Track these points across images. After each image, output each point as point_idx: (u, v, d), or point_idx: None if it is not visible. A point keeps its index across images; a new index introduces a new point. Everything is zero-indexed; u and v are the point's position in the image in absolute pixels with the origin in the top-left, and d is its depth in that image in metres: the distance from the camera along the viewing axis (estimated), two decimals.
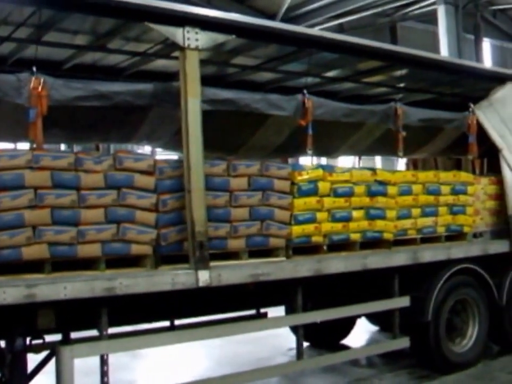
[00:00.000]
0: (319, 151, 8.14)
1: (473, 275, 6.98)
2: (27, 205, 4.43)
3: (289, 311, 6.54)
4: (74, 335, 5.17)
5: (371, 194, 6.25)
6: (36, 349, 5.05)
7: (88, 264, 4.73)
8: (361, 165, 9.22)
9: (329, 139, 7.52)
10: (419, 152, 8.82)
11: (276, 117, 6.25)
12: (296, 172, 5.78)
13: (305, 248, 5.88)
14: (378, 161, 16.45)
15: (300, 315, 5.83)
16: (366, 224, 6.21)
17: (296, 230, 5.71)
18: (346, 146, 8.24)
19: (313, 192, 5.85)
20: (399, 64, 6.94)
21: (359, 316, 7.53)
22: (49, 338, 5.05)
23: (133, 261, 4.92)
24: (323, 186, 5.91)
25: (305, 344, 6.70)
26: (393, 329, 6.49)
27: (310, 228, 5.80)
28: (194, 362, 7.79)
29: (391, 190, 6.43)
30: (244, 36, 5.53)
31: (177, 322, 5.90)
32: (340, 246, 6.11)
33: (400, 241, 6.61)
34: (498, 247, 7.26)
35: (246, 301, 5.95)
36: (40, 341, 5.01)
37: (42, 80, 4.53)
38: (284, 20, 17.20)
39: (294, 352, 6.07)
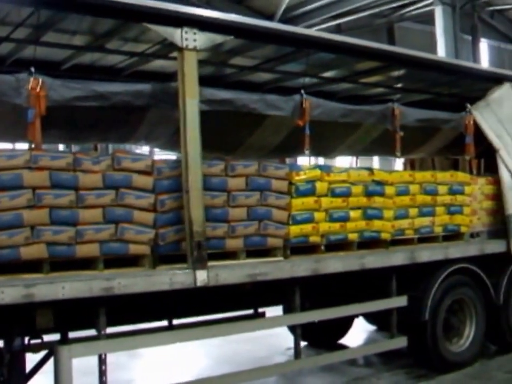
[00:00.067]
0: (317, 151, 8.16)
1: (471, 275, 7.00)
2: (25, 205, 4.44)
3: (287, 311, 6.54)
4: (72, 334, 5.18)
5: (368, 194, 6.27)
6: (34, 349, 5.05)
7: (86, 264, 4.73)
8: (358, 165, 9.24)
9: (327, 139, 7.54)
10: (416, 152, 8.85)
11: (273, 117, 6.27)
12: (294, 172, 5.79)
13: (303, 248, 5.89)
14: (375, 161, 16.48)
15: (297, 315, 5.84)
16: (363, 224, 6.22)
17: (294, 230, 5.73)
18: (344, 146, 8.26)
19: (311, 192, 5.86)
20: (396, 64, 6.96)
21: (356, 316, 7.55)
22: (47, 338, 5.06)
23: (131, 261, 4.93)
24: (321, 187, 5.92)
25: (303, 343, 6.72)
26: (391, 329, 6.50)
27: (307, 227, 5.81)
28: (193, 361, 7.80)
29: (389, 190, 6.45)
30: (242, 36, 5.55)
31: (175, 322, 5.90)
32: (337, 246, 6.12)
33: (398, 241, 6.63)
34: (495, 247, 7.28)
35: (244, 300, 5.97)
36: (38, 341, 5.01)
37: (40, 81, 4.54)
38: (281, 20, 17.25)
39: (292, 351, 6.08)
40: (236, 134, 7.19)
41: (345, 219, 6.08)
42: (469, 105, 7.27)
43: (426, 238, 6.88)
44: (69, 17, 4.98)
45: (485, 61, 22.18)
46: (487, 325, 7.12)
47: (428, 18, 18.45)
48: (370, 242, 6.37)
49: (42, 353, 5.18)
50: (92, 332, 4.90)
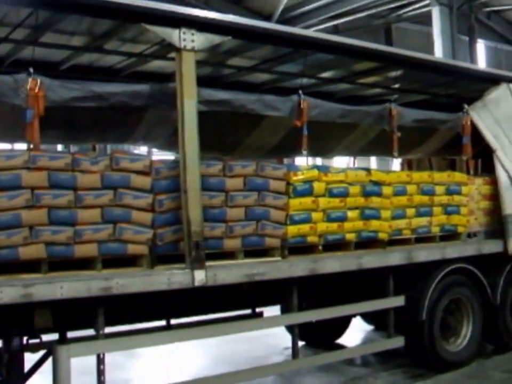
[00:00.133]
0: (314, 152, 8.18)
1: (468, 275, 7.02)
2: (24, 205, 4.45)
3: (284, 311, 6.55)
4: (71, 334, 5.18)
5: (366, 194, 6.28)
6: (33, 349, 5.05)
7: (84, 264, 4.74)
8: (356, 165, 9.26)
9: (325, 140, 7.56)
10: (414, 153, 8.87)
11: (271, 117, 6.28)
12: (291, 172, 5.81)
13: (300, 248, 5.91)
14: (373, 161, 16.51)
15: (295, 314, 5.85)
16: (361, 224, 6.24)
17: (292, 230, 5.74)
18: (341, 146, 8.28)
19: (309, 192, 5.87)
20: (394, 65, 6.98)
21: (354, 315, 7.56)
22: (46, 337, 5.05)
23: (130, 261, 4.94)
24: (318, 187, 5.94)
25: (301, 343, 6.69)
26: (388, 329, 6.52)
27: (305, 227, 5.83)
28: (191, 361, 7.81)
29: (386, 190, 6.46)
30: (240, 37, 5.56)
31: (173, 321, 5.91)
32: (335, 246, 6.14)
33: (395, 241, 6.64)
34: (492, 247, 7.30)
35: (241, 300, 5.98)
36: (37, 341, 5.02)
37: (39, 81, 4.54)
38: (279, 21, 17.26)
39: (289, 351, 6.08)
40: (234, 135, 7.20)
41: (343, 219, 6.10)
42: (466, 106, 7.29)
43: (423, 238, 6.90)
44: (67, 18, 5.00)
45: (482, 62, 22.20)
46: (484, 324, 7.13)
47: (425, 19, 18.48)
48: (367, 242, 6.38)
49: (41, 353, 5.19)
50: (90, 332, 4.92)
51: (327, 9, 17.65)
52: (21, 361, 4.72)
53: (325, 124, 6.36)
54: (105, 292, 4.47)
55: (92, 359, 4.81)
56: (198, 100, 5.04)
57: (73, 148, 7.80)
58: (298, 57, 6.40)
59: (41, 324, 4.63)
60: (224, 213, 5.35)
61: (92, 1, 4.63)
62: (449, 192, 7.07)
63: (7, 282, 4.19)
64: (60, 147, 8.75)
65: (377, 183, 6.41)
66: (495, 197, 7.50)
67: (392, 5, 18.81)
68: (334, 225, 6.03)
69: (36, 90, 4.51)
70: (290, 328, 6.23)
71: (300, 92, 5.90)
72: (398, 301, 6.46)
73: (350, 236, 6.18)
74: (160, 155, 10.02)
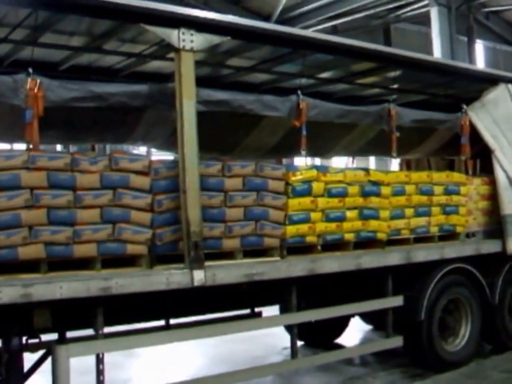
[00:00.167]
0: (313, 152, 8.19)
1: (466, 275, 7.04)
2: (23, 205, 4.46)
3: (283, 311, 6.57)
4: (70, 334, 5.19)
5: (365, 194, 6.29)
6: (32, 348, 5.06)
7: (84, 264, 4.75)
8: (355, 166, 9.26)
9: (323, 140, 7.57)
10: (412, 153, 8.88)
11: (270, 117, 6.29)
12: (290, 172, 5.81)
13: (299, 248, 5.91)
14: (372, 161, 16.52)
15: (294, 314, 5.86)
16: (359, 224, 6.25)
17: (291, 230, 5.75)
18: (340, 147, 8.29)
19: (307, 192, 5.88)
20: (392, 65, 6.99)
21: (352, 315, 7.58)
22: (45, 337, 5.06)
23: (129, 261, 4.94)
24: (317, 187, 5.94)
25: (300, 343, 6.72)
26: (387, 328, 6.54)
27: (304, 227, 5.84)
28: (189, 361, 7.81)
29: (385, 190, 6.47)
30: (239, 37, 5.57)
31: (172, 321, 5.92)
32: (333, 246, 6.15)
33: (394, 241, 6.66)
34: (491, 246, 7.31)
35: (240, 300, 5.99)
36: (36, 340, 5.02)
37: (38, 81, 4.55)
38: (278, 21, 17.28)
39: (288, 351, 6.09)
40: (233, 135, 7.21)
41: (342, 219, 6.11)
42: (464, 106, 7.30)
43: (422, 238, 6.91)
44: (66, 18, 5.01)
45: (480, 62, 22.24)
46: (482, 324, 7.14)
47: (424, 20, 18.50)
48: (366, 242, 6.39)
49: (40, 352, 5.19)
50: (89, 332, 4.93)
51: (326, 10, 17.68)
52: (20, 361, 4.73)
53: (324, 124, 6.37)
54: (104, 292, 4.47)
55: (91, 359, 4.82)
56: (197, 100, 5.05)
57: (72, 148, 7.81)
58: (297, 58, 6.42)
59: (40, 323, 4.64)
60: (223, 213, 5.35)
61: (91, 2, 4.64)
62: (447, 192, 7.08)
63: (7, 282, 4.20)
64: (59, 147, 8.76)
65: (376, 183, 6.42)
66: (493, 197, 7.51)
67: (391, 6, 18.83)
68: (333, 225, 6.04)
69: (35, 90, 4.52)
70: (289, 328, 6.22)
71: (299, 92, 5.91)
72: (397, 301, 6.47)
73: (349, 236, 6.19)
74: (159, 155, 10.03)
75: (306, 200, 5.86)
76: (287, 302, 5.85)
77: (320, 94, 7.19)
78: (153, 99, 5.29)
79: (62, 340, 5.13)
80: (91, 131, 6.57)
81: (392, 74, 7.34)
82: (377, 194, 6.40)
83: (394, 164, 10.52)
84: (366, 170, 6.50)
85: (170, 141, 6.14)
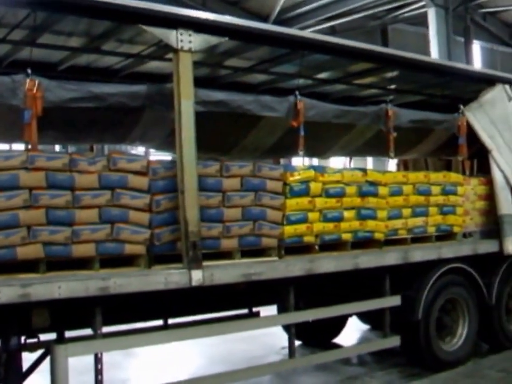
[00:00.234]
0: (311, 152, 8.21)
1: (463, 275, 7.05)
2: (22, 205, 4.46)
3: (281, 310, 6.58)
4: (68, 334, 5.21)
5: (362, 194, 6.31)
6: (31, 348, 5.09)
7: (82, 263, 4.76)
8: (352, 166, 9.29)
9: (321, 140, 7.59)
10: (410, 153, 8.91)
11: (268, 118, 6.31)
12: (288, 172, 5.82)
13: (297, 248, 5.93)
14: (369, 162, 16.54)
15: (292, 314, 5.87)
16: (357, 224, 6.26)
17: (288, 230, 5.76)
18: (337, 147, 8.31)
19: (305, 192, 5.90)
20: (390, 66, 7.01)
21: (350, 315, 7.59)
22: (44, 337, 5.10)
23: (127, 261, 4.95)
24: (315, 187, 5.96)
25: (297, 342, 6.74)
26: (384, 328, 6.55)
27: (302, 228, 5.85)
28: (188, 360, 7.83)
29: (382, 190, 6.49)
30: (237, 38, 5.58)
31: (170, 321, 5.94)
32: (331, 245, 6.16)
33: (391, 241, 6.67)
34: (488, 246, 7.33)
35: (238, 300, 6.00)
36: (35, 340, 5.06)
37: (37, 82, 4.56)
38: (276, 22, 17.32)
39: (286, 350, 6.11)
40: (231, 135, 7.22)
41: (339, 219, 6.12)
42: (461, 107, 7.32)
43: (419, 238, 6.93)
44: (65, 19, 5.01)
45: (477, 63, 22.29)
46: (479, 324, 7.17)
47: (421, 20, 18.54)
48: (364, 242, 6.41)
49: (39, 352, 5.22)
50: (88, 331, 4.94)
51: (324, 10, 17.72)
52: (19, 361, 4.73)
53: (322, 124, 6.39)
54: (102, 292, 4.48)
55: (90, 359, 4.83)
56: (195, 101, 5.06)
57: (70, 148, 7.83)
58: (295, 58, 6.43)
59: (39, 323, 4.65)
60: (221, 213, 5.37)
61: (90, 2, 4.64)
62: (445, 193, 7.10)
63: (5, 282, 4.20)
64: (57, 147, 8.77)
65: (373, 184, 6.44)
66: (490, 197, 7.53)
67: (389, 6, 18.87)
68: (331, 225, 6.05)
69: (34, 91, 4.53)
70: (287, 328, 6.23)
71: (297, 92, 5.93)
72: (394, 300, 6.49)
73: (347, 236, 6.21)
74: (158, 155, 10.05)
75: (304, 200, 5.88)
76: (285, 302, 5.86)
77: (318, 94, 7.20)
78: (151, 99, 5.31)
79: (61, 340, 5.15)
80: (89, 131, 6.59)
81: (390, 74, 7.36)
82: (375, 195, 6.42)
83: (392, 164, 10.54)
84: (364, 170, 6.51)
85: (169, 141, 6.16)
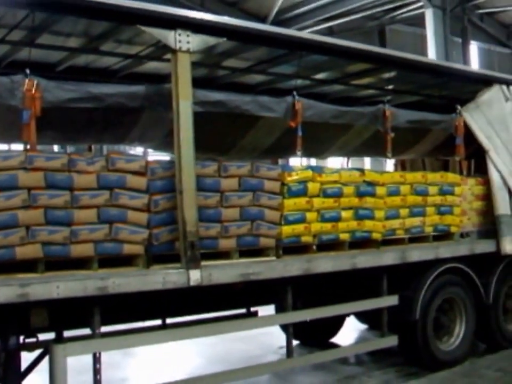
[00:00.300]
0: (309, 152, 8.22)
1: (461, 274, 7.07)
2: (21, 205, 4.47)
3: (279, 310, 6.59)
4: (67, 333, 5.22)
5: (360, 194, 6.32)
6: (29, 348, 5.10)
7: (81, 263, 4.77)
8: (350, 166, 9.30)
9: (319, 140, 7.61)
10: (407, 153, 8.93)
11: (266, 118, 6.32)
12: (286, 172, 5.84)
13: (295, 248, 5.94)
14: (367, 162, 16.57)
15: (289, 314, 5.89)
16: (354, 224, 6.28)
17: (286, 230, 5.78)
18: (335, 147, 8.33)
19: (303, 192, 5.91)
20: (387, 66, 7.03)
21: (348, 315, 7.61)
22: (42, 336, 5.10)
23: (125, 261, 4.96)
24: (312, 187, 5.97)
25: (295, 342, 6.75)
26: (382, 328, 6.57)
27: (299, 228, 5.87)
28: (186, 360, 7.84)
29: (380, 190, 6.50)
30: (235, 38, 5.59)
31: (168, 321, 5.95)
32: (329, 245, 6.18)
33: (389, 241, 6.69)
34: (485, 246, 7.34)
35: (236, 299, 6.01)
36: (33, 340, 5.06)
37: (35, 82, 4.57)
38: (274, 23, 17.35)
39: (284, 350, 6.12)
40: (229, 135, 7.24)
41: (337, 219, 6.14)
42: (459, 107, 7.34)
43: (416, 238, 6.94)
44: (63, 19, 5.02)
45: (474, 63, 22.33)
46: (476, 324, 7.18)
47: (419, 21, 18.58)
48: (361, 242, 6.43)
49: (37, 352, 5.23)
50: (86, 331, 4.95)
51: (322, 11, 17.74)
52: (18, 360, 4.74)
53: (319, 124, 6.40)
54: (101, 292, 4.49)
55: (88, 358, 4.84)
56: (194, 101, 5.07)
57: (69, 149, 7.83)
58: (293, 59, 6.44)
59: (37, 323, 4.66)
60: (219, 213, 5.38)
61: (88, 3, 4.65)
62: (442, 193, 7.12)
63: (4, 282, 4.21)
64: (56, 148, 8.78)
65: (371, 184, 6.45)
66: (487, 197, 7.55)
67: (386, 7, 18.91)
68: (328, 225, 6.07)
69: (33, 91, 4.54)
70: (284, 327, 6.26)
71: (294, 93, 5.94)
72: (392, 300, 6.51)
73: (344, 236, 6.23)
74: (156, 156, 10.05)
75: (301, 201, 5.89)
76: (282, 302, 5.87)
77: (316, 95, 7.22)
78: (150, 100, 5.32)
79: (59, 339, 5.17)
80: (88, 132, 6.60)
81: (387, 75, 7.39)
82: (372, 195, 6.44)
83: (389, 164, 10.56)
84: (361, 170, 6.53)
85: (167, 141, 6.17)
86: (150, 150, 10.08)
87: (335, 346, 7.88)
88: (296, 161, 8.83)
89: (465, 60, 20.37)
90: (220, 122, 6.59)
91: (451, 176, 7.35)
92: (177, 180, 4.96)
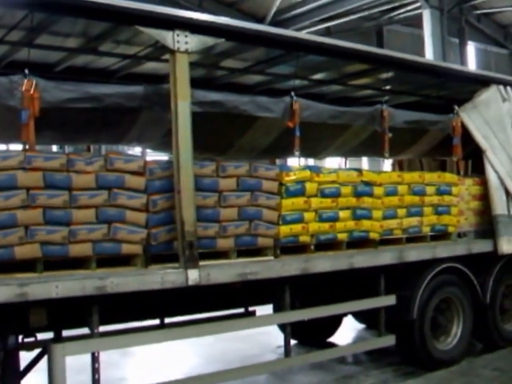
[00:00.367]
0: (307, 152, 8.24)
1: (458, 274, 7.09)
2: (19, 205, 4.48)
3: (277, 310, 6.60)
4: (66, 333, 5.23)
5: (357, 194, 6.33)
6: (28, 347, 5.12)
7: (79, 263, 4.78)
8: (347, 166, 9.32)
9: (317, 141, 7.62)
10: (405, 153, 8.95)
11: (264, 119, 6.34)
12: (283, 172, 5.85)
13: (292, 248, 5.95)
14: (364, 162, 16.59)
15: (287, 313, 5.89)
16: (352, 224, 6.29)
17: (284, 229, 5.79)
18: (333, 147, 8.35)
19: (301, 192, 5.92)
20: (385, 67, 7.04)
21: (345, 314, 7.62)
22: (41, 336, 5.12)
23: (124, 260, 4.97)
24: (310, 187, 5.99)
25: (293, 341, 6.77)
26: (379, 327, 6.57)
27: (297, 227, 5.88)
28: (184, 359, 7.85)
29: (377, 190, 6.52)
30: (233, 39, 5.61)
31: (167, 320, 5.96)
32: (326, 245, 6.19)
33: (386, 241, 6.70)
34: (482, 246, 7.36)
35: (234, 299, 6.03)
36: (32, 339, 5.08)
37: (34, 82, 4.58)
38: (272, 23, 17.36)
39: (282, 349, 6.13)
40: (227, 136, 7.25)
41: (335, 219, 6.15)
42: (456, 107, 7.35)
43: (414, 238, 6.96)
44: (62, 20, 5.04)
45: (472, 64, 22.38)
46: (474, 323, 7.20)
47: (416, 22, 18.62)
48: (359, 242, 6.44)
49: (36, 351, 5.24)
50: (85, 331, 4.95)
51: (319, 12, 17.76)
52: (16, 360, 4.74)
53: (317, 125, 6.41)
54: (99, 291, 4.50)
55: (87, 358, 4.85)
56: (192, 101, 5.08)
57: (68, 149, 7.84)
58: (291, 59, 6.46)
59: (36, 322, 4.67)
60: (217, 213, 5.39)
61: (87, 4, 4.66)
62: (439, 193, 7.13)
63: (3, 281, 4.22)
64: (55, 148, 8.79)
65: (368, 184, 6.47)
66: (485, 197, 7.56)
67: (384, 8, 18.94)
68: (326, 225, 6.08)
69: (31, 91, 4.55)
70: (282, 327, 6.26)
71: (292, 93, 5.95)
72: (389, 300, 6.52)
73: (342, 236, 6.24)
74: (154, 156, 10.07)
75: (299, 200, 5.91)
76: (280, 301, 5.88)
77: (314, 95, 7.23)
78: (148, 100, 5.32)
79: (58, 339, 5.18)
80: (87, 132, 6.61)
81: (385, 75, 7.40)
82: (370, 195, 6.45)
83: (387, 164, 10.58)
84: (359, 170, 6.54)
85: (165, 141, 6.18)
86: (148, 150, 10.11)
87: (332, 345, 7.91)
88: (294, 161, 8.85)
89: (463, 60, 20.41)
90: (218, 123, 6.60)
91: (448, 176, 7.37)
92: (176, 179, 4.97)
